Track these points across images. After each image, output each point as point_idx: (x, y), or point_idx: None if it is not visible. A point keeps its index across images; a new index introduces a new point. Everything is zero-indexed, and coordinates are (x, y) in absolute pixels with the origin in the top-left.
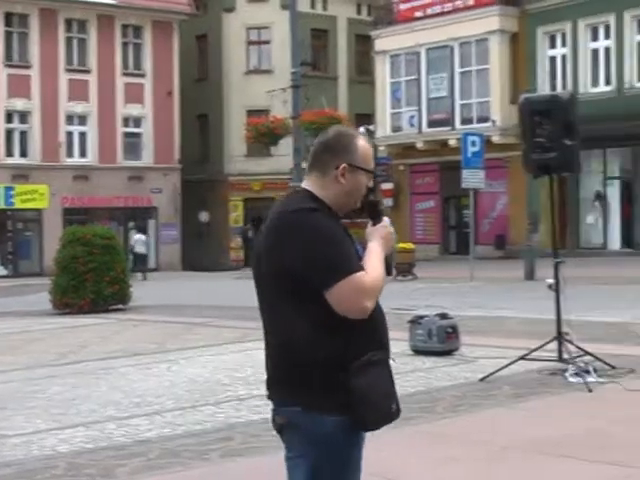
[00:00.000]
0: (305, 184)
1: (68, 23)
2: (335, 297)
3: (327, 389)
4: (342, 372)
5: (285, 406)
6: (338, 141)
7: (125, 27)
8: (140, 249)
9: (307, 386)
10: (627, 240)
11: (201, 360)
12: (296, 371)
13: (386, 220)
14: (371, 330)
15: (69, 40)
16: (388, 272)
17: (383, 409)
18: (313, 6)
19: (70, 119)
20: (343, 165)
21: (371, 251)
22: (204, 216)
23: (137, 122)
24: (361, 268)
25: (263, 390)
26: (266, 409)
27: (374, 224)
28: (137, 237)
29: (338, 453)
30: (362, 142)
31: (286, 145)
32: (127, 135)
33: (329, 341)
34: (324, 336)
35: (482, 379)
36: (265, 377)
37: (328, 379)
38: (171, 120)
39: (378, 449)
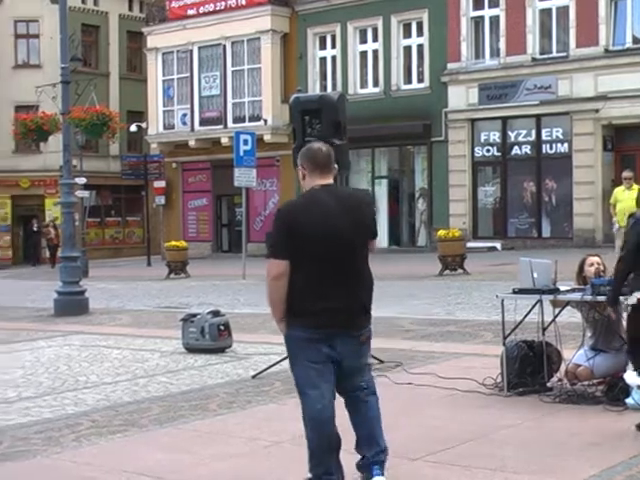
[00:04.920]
0: (329, 181)
1: None
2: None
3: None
4: None
5: (368, 326)
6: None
7: None
8: None
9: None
10: (395, 238)
11: None
12: (371, 304)
13: None
14: None
15: None
16: None
17: None
18: (84, 1)
19: None
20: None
21: None
22: None
23: None
24: None
25: (32, 392)
26: (35, 411)
27: None
28: None
29: None
30: None
31: (56, 142)
32: None
33: None
34: None
35: (254, 376)
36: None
37: None
38: None
39: (148, 447)
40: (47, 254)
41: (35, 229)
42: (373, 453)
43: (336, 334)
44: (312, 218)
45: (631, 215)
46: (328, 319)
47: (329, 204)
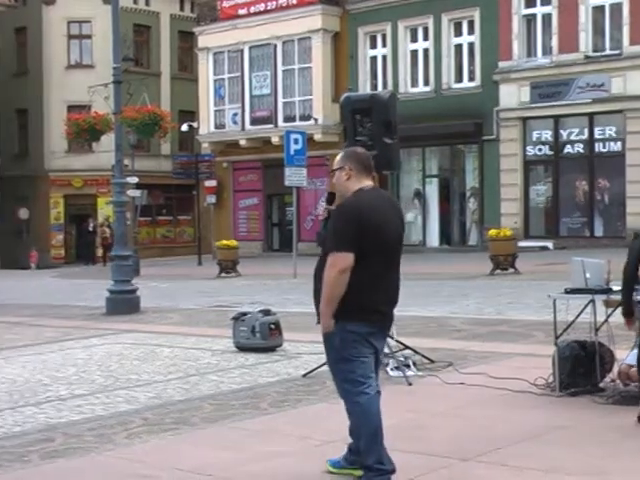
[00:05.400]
0: (371, 183)
1: None
2: None
3: None
4: None
5: None
6: None
7: None
8: None
9: None
10: (445, 237)
11: (21, 360)
12: None
13: None
14: None
15: None
16: None
17: None
18: (136, 1)
19: None
20: None
21: None
22: (23, 213)
23: None
24: None
25: (85, 390)
26: (88, 408)
27: None
28: None
29: None
30: None
31: (108, 141)
32: None
33: None
34: None
35: (305, 375)
36: None
37: None
38: None
39: (199, 445)
40: (101, 253)
41: (90, 229)
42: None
43: (383, 328)
44: (377, 215)
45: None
46: (382, 314)
47: (384, 203)
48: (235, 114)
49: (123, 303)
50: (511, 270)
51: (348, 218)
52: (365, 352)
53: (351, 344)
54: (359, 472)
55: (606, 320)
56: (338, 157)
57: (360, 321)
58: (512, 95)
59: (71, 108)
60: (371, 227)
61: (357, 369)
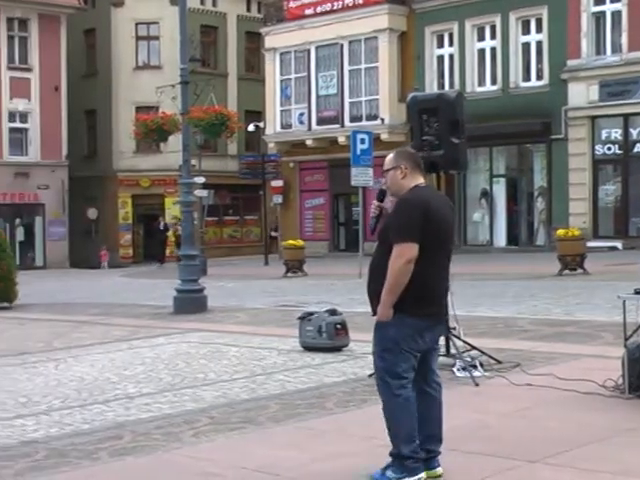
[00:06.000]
0: (424, 181)
1: None
2: None
3: None
4: None
5: None
6: None
7: (10, 20)
8: None
9: None
10: (513, 237)
11: (89, 358)
12: None
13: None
14: None
15: None
16: None
17: None
18: (203, 2)
19: None
20: None
21: None
22: (92, 213)
23: (23, 117)
24: None
25: (152, 388)
26: (155, 407)
27: None
28: None
29: None
30: None
31: (175, 141)
32: (13, 130)
33: None
34: None
35: (371, 375)
36: None
37: None
38: (58, 115)
39: (265, 445)
40: (175, 251)
41: (161, 227)
42: (435, 447)
43: (439, 321)
44: (438, 209)
45: None
46: (439, 306)
47: (440, 199)
48: (301, 114)
49: (190, 302)
50: (579, 270)
51: (414, 210)
52: (415, 347)
53: (405, 337)
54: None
55: None
56: (390, 157)
57: (419, 316)
58: (581, 94)
59: (139, 109)
60: (434, 220)
61: (403, 363)
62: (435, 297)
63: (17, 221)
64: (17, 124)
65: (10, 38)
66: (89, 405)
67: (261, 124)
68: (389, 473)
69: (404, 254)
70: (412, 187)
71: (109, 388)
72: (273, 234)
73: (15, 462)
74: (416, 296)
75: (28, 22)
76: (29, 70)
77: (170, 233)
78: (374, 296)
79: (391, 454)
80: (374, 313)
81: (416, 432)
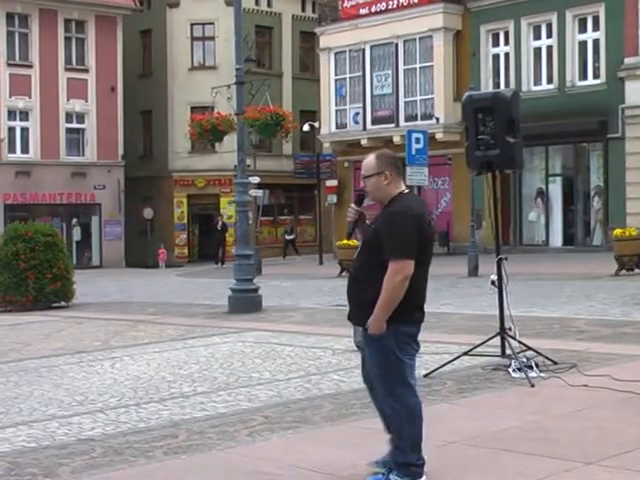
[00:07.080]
0: (404, 186)
1: (10, 17)
2: None
3: None
4: None
5: None
6: None
7: (68, 22)
8: None
9: None
10: (568, 237)
11: (145, 357)
12: None
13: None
14: None
15: (11, 34)
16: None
17: None
18: (258, 3)
19: (12, 114)
20: None
21: None
22: (148, 212)
23: (80, 118)
24: None
25: (207, 387)
26: (210, 406)
27: None
28: None
29: None
30: None
31: (230, 141)
32: (70, 131)
33: None
34: None
35: (426, 375)
36: None
37: None
38: (115, 116)
39: (320, 444)
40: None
41: (219, 227)
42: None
43: (420, 328)
44: (425, 219)
45: None
46: (424, 313)
47: (423, 205)
48: (356, 114)
49: (245, 302)
50: (637, 271)
51: (410, 226)
52: (413, 353)
53: (402, 345)
54: None
55: None
56: (372, 161)
57: (411, 322)
58: (638, 92)
59: (194, 109)
60: (426, 232)
61: (406, 370)
62: (423, 303)
63: (74, 221)
64: (74, 124)
65: (67, 40)
66: (145, 404)
67: (316, 124)
68: (393, 477)
69: (402, 271)
70: (397, 194)
71: (164, 387)
72: (287, 237)
73: (72, 460)
74: (408, 304)
75: (85, 24)
76: (86, 71)
77: (229, 233)
78: (361, 306)
79: (396, 461)
80: (357, 323)
81: (421, 442)
